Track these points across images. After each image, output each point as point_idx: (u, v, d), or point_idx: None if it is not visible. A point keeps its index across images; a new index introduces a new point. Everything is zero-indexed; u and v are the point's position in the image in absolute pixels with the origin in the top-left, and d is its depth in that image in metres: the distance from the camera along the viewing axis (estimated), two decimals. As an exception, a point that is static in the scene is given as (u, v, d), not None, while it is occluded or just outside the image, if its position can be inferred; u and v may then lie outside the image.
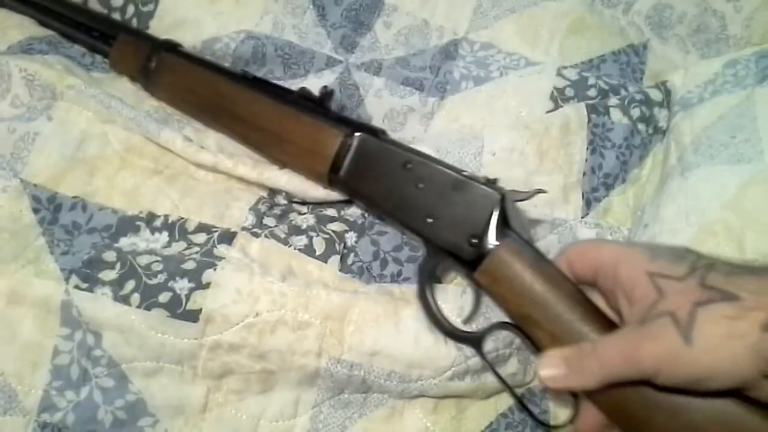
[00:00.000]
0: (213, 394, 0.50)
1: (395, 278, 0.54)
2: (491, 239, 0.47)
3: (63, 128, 0.57)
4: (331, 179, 0.54)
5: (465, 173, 0.49)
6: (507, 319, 0.48)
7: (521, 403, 0.48)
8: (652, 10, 0.69)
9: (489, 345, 0.50)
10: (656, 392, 0.39)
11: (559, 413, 0.53)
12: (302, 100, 0.57)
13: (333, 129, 0.54)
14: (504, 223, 0.47)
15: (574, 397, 0.45)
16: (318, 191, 0.57)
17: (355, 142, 0.53)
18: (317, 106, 0.56)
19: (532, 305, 0.44)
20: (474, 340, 0.49)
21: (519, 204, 0.50)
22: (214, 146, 0.59)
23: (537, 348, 0.46)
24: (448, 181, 0.49)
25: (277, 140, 0.56)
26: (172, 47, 0.63)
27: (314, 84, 0.63)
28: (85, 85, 0.58)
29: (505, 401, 0.53)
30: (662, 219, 0.53)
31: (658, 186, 0.58)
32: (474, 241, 0.47)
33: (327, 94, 0.57)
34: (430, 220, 0.49)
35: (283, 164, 0.57)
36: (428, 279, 0.50)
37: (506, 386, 0.49)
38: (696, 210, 0.51)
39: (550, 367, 0.43)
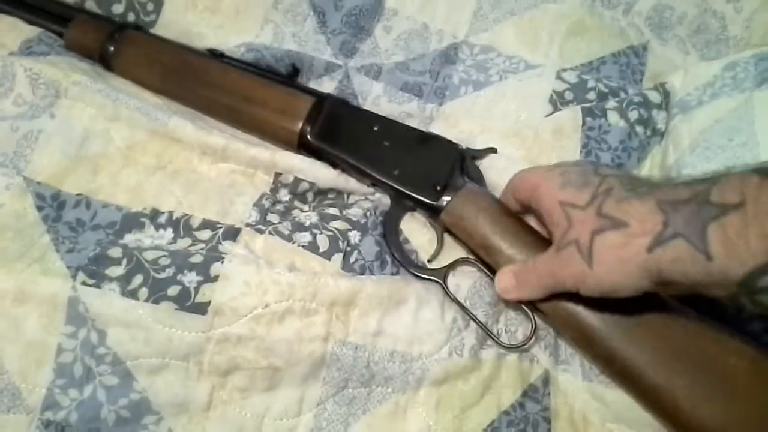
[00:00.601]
0: (217, 391, 0.50)
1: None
2: (456, 183, 0.54)
3: (66, 126, 0.57)
4: (301, 140, 0.57)
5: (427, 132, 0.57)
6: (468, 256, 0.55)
7: (483, 327, 0.52)
8: (652, 11, 0.68)
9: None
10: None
11: (560, 410, 0.53)
12: (270, 74, 0.61)
13: (304, 95, 0.58)
14: (463, 171, 0.55)
15: (533, 321, 0.51)
16: (328, 173, 0.57)
17: (326, 106, 0.58)
18: (286, 79, 0.61)
19: (492, 235, 0.51)
20: (438, 274, 0.54)
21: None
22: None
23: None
24: (414, 136, 0.57)
25: (247, 103, 0.58)
26: (136, 27, 0.64)
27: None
28: (91, 80, 0.58)
29: (507, 399, 0.53)
30: None
31: None
32: (439, 187, 0.54)
33: (294, 71, 0.63)
34: (396, 172, 0.55)
35: (252, 129, 0.59)
36: (394, 228, 0.56)
37: (470, 315, 0.53)
38: None
39: (504, 281, 0.50)
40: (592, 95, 0.62)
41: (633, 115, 0.61)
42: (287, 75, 0.61)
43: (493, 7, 0.68)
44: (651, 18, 0.68)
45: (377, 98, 0.65)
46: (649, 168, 0.60)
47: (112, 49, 0.61)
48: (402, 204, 0.56)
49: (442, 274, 0.54)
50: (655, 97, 0.62)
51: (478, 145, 0.60)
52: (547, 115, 0.61)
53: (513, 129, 0.61)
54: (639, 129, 0.61)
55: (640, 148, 0.61)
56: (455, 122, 0.63)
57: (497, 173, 0.58)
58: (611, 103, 0.61)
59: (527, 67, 0.65)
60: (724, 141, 0.54)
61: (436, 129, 0.63)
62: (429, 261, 0.56)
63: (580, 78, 0.63)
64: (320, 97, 0.58)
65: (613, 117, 0.60)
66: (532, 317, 0.51)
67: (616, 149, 0.60)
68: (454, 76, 0.65)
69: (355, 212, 0.57)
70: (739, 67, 0.59)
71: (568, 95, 0.62)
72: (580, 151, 0.59)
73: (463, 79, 0.65)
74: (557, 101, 0.62)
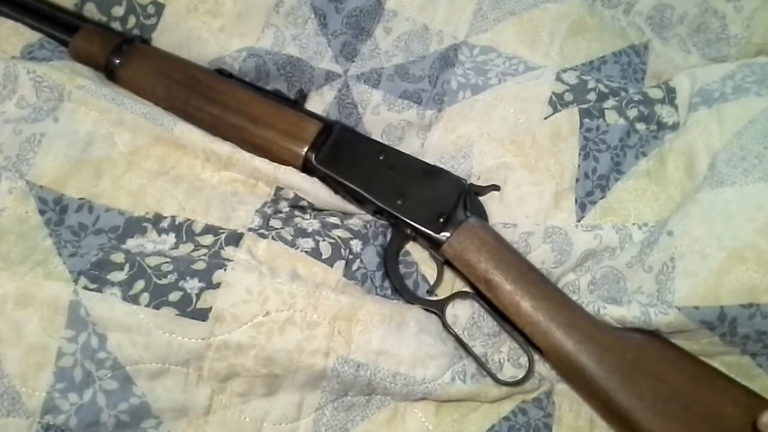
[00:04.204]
0: (217, 396, 0.48)
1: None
2: (460, 216, 0.52)
3: (69, 129, 0.54)
4: (306, 164, 0.55)
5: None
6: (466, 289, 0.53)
7: (479, 361, 0.50)
8: (653, 11, 0.64)
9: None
10: None
11: (564, 417, 0.50)
12: (278, 97, 0.58)
13: (312, 119, 0.56)
14: (465, 206, 0.53)
15: (530, 360, 0.49)
16: (330, 197, 0.55)
17: (335, 131, 0.55)
18: (293, 103, 0.58)
19: (494, 270, 0.49)
20: (437, 306, 0.52)
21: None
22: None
23: (497, 312, 0.50)
24: (420, 167, 0.54)
25: (253, 123, 0.55)
26: (145, 40, 0.61)
27: (316, 103, 0.61)
28: (95, 84, 0.55)
29: (508, 405, 0.50)
30: (692, 236, 0.48)
31: (688, 193, 0.52)
32: (441, 219, 0.51)
33: (301, 96, 0.60)
34: (399, 201, 0.53)
35: (257, 150, 0.55)
36: (394, 257, 0.53)
37: (467, 348, 0.50)
38: (728, 234, 0.46)
39: None
40: (592, 96, 0.58)
41: (632, 112, 0.56)
42: (294, 99, 0.59)
43: (493, 7, 0.64)
44: (652, 17, 0.65)
45: (377, 107, 0.61)
46: (673, 168, 0.54)
47: (118, 61, 0.58)
48: (403, 233, 0.54)
49: (441, 305, 0.52)
50: (656, 93, 0.57)
51: (475, 152, 0.57)
52: (546, 117, 0.57)
53: (510, 135, 0.57)
54: (639, 126, 0.56)
55: (640, 144, 0.56)
56: (453, 128, 0.59)
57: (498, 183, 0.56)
58: (610, 102, 0.57)
59: (527, 69, 0.60)
60: (761, 148, 0.49)
61: (435, 135, 0.60)
62: (428, 292, 0.53)
63: (580, 78, 0.59)
64: (328, 123, 0.56)
65: (612, 116, 0.56)
66: (528, 355, 0.49)
67: (615, 148, 0.56)
68: (453, 80, 0.61)
69: (355, 222, 0.55)
70: (756, 65, 0.55)
71: (568, 96, 0.58)
72: (579, 154, 0.55)
73: (462, 83, 0.61)
74: (557, 103, 0.58)
